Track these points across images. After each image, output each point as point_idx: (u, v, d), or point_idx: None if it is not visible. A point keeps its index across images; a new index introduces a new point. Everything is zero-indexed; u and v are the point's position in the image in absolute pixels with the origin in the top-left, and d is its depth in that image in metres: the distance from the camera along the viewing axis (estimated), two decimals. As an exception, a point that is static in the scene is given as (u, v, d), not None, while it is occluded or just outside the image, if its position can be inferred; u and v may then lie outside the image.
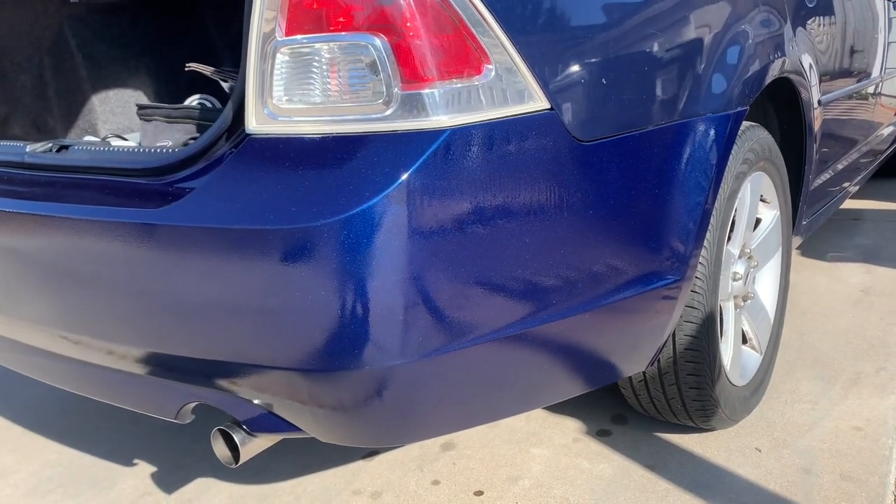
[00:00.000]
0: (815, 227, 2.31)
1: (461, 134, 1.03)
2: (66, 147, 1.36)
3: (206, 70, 1.65)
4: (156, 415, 1.28)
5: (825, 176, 2.31)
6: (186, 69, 1.69)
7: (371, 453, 1.76)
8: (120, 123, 2.08)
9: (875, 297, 2.44)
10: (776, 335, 1.90)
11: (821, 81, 2.04)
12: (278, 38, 1.04)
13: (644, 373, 1.57)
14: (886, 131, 3.12)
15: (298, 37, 1.03)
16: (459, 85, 1.04)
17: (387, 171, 1.00)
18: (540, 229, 1.14)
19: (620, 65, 1.22)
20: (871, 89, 2.69)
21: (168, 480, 1.73)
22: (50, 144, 1.38)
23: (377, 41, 1.01)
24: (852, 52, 2.39)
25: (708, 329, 1.51)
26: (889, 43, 2.88)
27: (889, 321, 2.25)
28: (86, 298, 1.23)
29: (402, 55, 1.01)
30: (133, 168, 1.21)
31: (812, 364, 2.02)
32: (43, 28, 1.96)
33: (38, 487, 1.74)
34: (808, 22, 1.94)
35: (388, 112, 1.02)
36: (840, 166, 2.47)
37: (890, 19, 2.87)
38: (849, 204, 3.61)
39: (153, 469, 1.78)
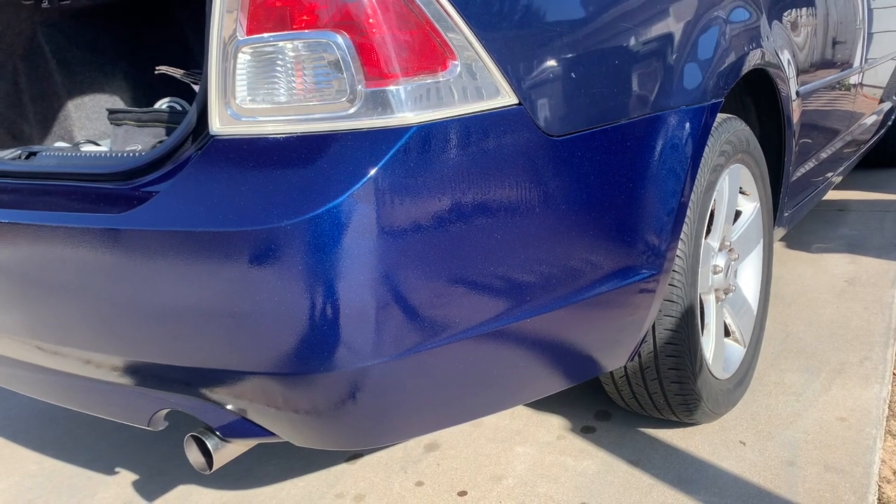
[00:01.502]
0: (797, 218, 2.31)
1: (427, 130, 1.02)
2: (34, 153, 1.34)
3: (177, 72, 1.63)
4: (128, 422, 1.26)
5: (807, 167, 2.30)
6: (156, 72, 1.67)
7: (355, 456, 1.75)
8: (96, 129, 2.06)
9: (860, 287, 2.44)
10: (759, 327, 1.89)
11: (799, 73, 2.04)
12: (240, 38, 1.03)
13: (625, 367, 1.56)
14: (869, 121, 3.12)
15: (260, 35, 1.02)
16: (424, 81, 1.02)
17: (352, 170, 0.99)
18: (511, 225, 1.13)
19: (590, 58, 1.21)
20: (852, 80, 2.69)
21: (150, 488, 1.71)
22: (19, 151, 1.37)
23: (340, 39, 0.99)
24: (832, 42, 2.38)
25: (688, 323, 1.50)
26: (870, 33, 2.88)
27: (873, 311, 2.25)
28: (55, 306, 1.21)
29: (366, 52, 0.99)
30: (100, 173, 1.20)
31: (796, 355, 2.01)
32: (15, 34, 1.94)
33: (18, 498, 1.72)
34: (786, 13, 1.94)
35: (353, 110, 1.00)
36: (822, 157, 2.47)
37: (870, 9, 2.87)
38: (833, 194, 3.61)
39: (135, 477, 1.76)
